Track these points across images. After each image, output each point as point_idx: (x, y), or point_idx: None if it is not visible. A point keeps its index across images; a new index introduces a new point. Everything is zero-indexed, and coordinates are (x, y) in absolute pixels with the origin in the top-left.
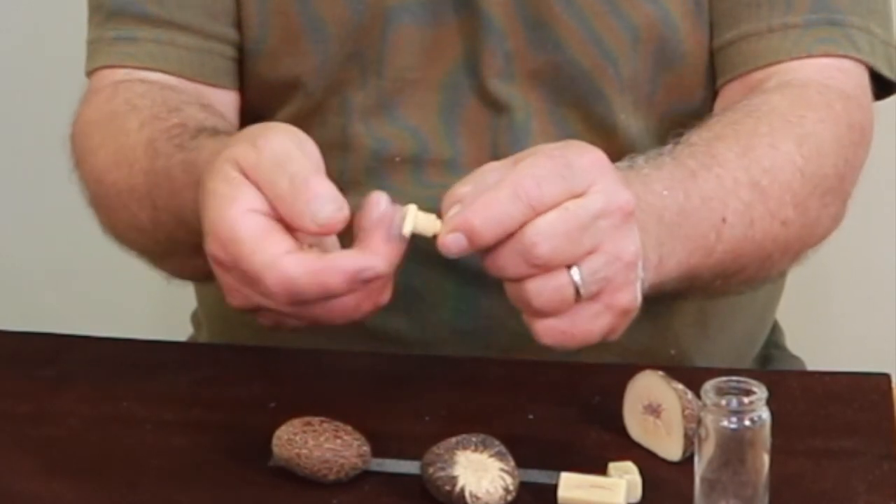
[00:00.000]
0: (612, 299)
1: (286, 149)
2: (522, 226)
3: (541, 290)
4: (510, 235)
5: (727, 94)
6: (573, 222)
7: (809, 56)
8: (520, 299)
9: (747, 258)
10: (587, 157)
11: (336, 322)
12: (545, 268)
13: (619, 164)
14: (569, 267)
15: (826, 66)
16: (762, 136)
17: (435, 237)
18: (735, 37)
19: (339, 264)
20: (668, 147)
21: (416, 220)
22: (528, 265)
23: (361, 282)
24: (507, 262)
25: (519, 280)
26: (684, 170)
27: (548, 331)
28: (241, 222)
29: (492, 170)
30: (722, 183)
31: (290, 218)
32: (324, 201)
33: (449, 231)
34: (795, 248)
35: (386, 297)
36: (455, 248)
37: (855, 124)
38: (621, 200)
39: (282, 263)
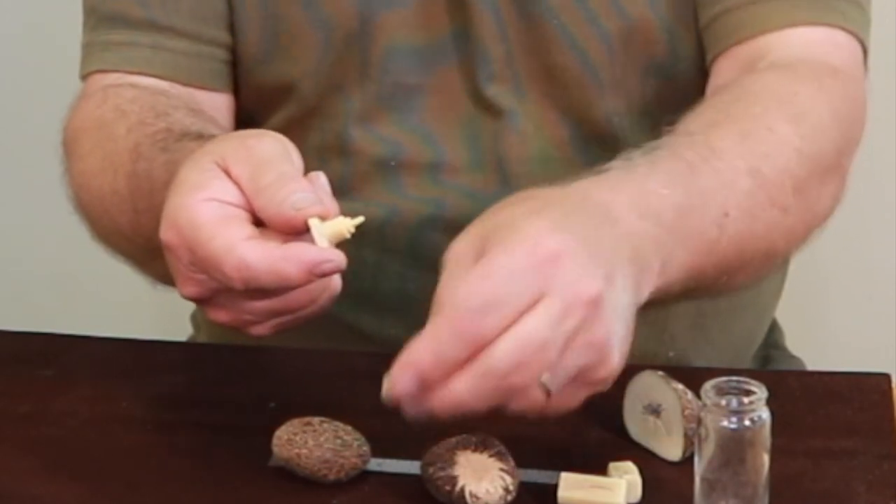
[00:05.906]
0: (589, 377)
1: (278, 151)
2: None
3: (511, 407)
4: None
5: (718, 70)
6: (529, 346)
7: (794, 25)
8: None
9: (751, 251)
10: (532, 258)
11: (291, 314)
12: (515, 390)
13: (614, 161)
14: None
15: (817, 39)
16: (757, 118)
17: (352, 235)
18: (720, 10)
19: (298, 254)
20: (664, 139)
21: (323, 231)
22: (497, 395)
23: (319, 274)
24: (474, 397)
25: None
26: (682, 164)
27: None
28: (201, 207)
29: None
30: (721, 176)
31: (269, 204)
32: (307, 195)
33: (397, 373)
34: (798, 233)
35: (338, 286)
36: (405, 390)
37: (850, 97)
38: (581, 293)
39: (240, 249)
